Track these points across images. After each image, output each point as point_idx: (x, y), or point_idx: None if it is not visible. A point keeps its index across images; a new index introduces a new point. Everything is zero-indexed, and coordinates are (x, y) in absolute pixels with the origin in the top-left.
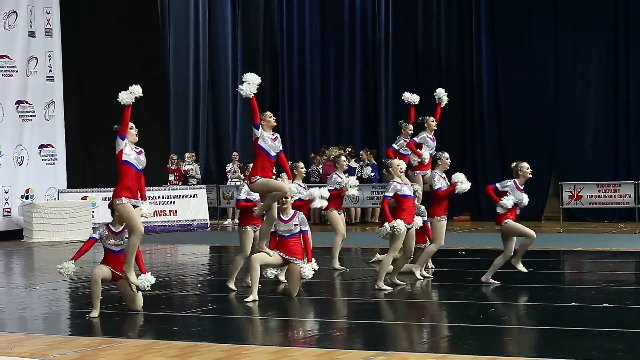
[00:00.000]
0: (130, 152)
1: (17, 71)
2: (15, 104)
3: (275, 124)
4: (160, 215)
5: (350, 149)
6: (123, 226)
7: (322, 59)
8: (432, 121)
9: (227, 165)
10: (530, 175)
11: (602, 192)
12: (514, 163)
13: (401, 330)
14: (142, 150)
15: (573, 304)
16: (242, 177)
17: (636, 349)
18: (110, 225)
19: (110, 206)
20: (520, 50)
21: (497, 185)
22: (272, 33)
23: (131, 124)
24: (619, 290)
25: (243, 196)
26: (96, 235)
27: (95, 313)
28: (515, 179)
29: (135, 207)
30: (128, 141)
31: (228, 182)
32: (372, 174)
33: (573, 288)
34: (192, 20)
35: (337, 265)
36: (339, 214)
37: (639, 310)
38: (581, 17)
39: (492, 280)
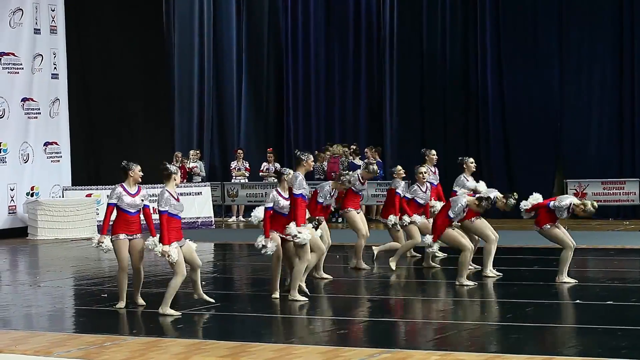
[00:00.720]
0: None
1: (22, 68)
2: (21, 101)
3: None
4: None
5: (355, 147)
6: (137, 188)
7: (326, 57)
8: (471, 162)
9: (232, 162)
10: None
11: (607, 189)
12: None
13: (405, 328)
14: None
15: (577, 301)
16: (247, 174)
17: None
18: (125, 185)
19: (124, 168)
20: (525, 48)
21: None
22: (277, 30)
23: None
24: (624, 287)
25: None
26: (114, 200)
27: (121, 304)
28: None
29: (180, 247)
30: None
31: (232, 180)
32: (378, 171)
33: (577, 285)
34: (197, 18)
35: (362, 265)
36: (358, 213)
37: None
38: (586, 15)
39: (567, 279)
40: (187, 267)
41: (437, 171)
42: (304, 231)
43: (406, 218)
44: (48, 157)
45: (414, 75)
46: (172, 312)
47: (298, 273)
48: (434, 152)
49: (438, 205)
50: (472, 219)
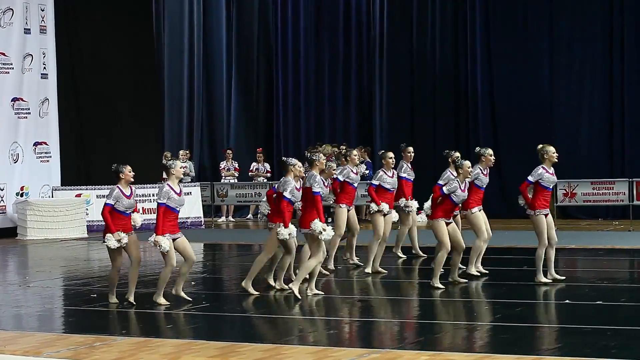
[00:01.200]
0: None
1: (13, 68)
2: (11, 101)
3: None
4: (154, 213)
5: (344, 147)
6: (130, 189)
7: (316, 57)
8: (490, 155)
9: (221, 162)
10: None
11: (596, 189)
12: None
13: (394, 328)
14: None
15: (567, 301)
16: (236, 174)
17: (630, 346)
18: (121, 188)
19: (115, 172)
20: (515, 47)
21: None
22: (267, 30)
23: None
24: (613, 287)
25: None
26: (111, 201)
27: (113, 299)
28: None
29: (174, 240)
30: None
31: (222, 180)
32: (367, 171)
33: (567, 285)
34: (187, 18)
35: (331, 264)
36: (349, 210)
37: (633, 308)
38: (576, 15)
39: (544, 279)
40: (180, 260)
41: (412, 167)
42: (328, 228)
43: (373, 206)
44: (38, 157)
45: (404, 74)
46: (163, 301)
47: (307, 268)
48: (410, 149)
49: (413, 205)
50: (474, 209)
